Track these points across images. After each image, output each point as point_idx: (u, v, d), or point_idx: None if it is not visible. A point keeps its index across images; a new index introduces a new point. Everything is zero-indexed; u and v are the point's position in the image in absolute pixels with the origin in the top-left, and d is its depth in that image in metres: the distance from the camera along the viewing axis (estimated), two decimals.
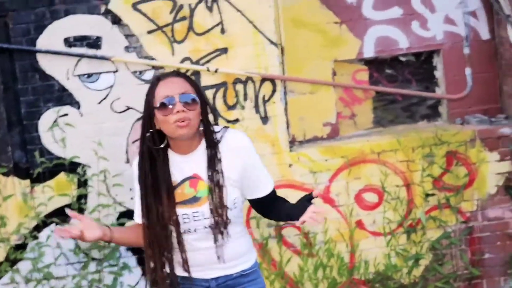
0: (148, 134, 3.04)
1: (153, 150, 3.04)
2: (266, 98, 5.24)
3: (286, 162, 5.28)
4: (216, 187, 3.02)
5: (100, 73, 5.11)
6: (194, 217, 3.04)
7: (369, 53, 5.65)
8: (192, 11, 5.14)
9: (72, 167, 5.08)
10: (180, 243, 3.07)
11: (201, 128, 3.06)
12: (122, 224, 5.07)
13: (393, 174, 5.33)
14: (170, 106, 2.97)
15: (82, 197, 5.11)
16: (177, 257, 3.12)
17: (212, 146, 3.05)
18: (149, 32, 5.13)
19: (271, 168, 5.23)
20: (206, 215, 3.04)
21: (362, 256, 5.34)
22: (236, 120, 5.23)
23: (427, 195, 5.33)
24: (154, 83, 3.07)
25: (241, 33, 5.18)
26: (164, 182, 3.03)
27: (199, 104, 3.01)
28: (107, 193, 5.14)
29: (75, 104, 5.11)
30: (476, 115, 5.66)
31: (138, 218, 3.21)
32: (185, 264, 3.10)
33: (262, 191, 3.17)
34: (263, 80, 5.22)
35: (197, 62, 5.18)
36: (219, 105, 5.22)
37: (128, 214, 5.11)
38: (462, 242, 5.39)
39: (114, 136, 5.14)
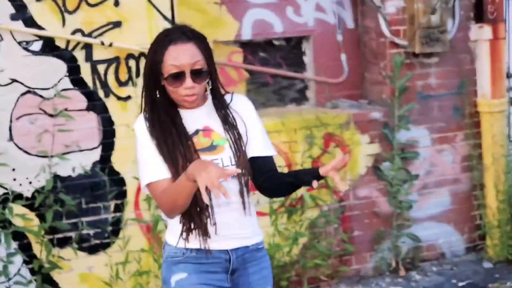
0: (158, 96, 2.93)
1: (165, 107, 2.93)
2: None
3: None
4: (234, 135, 2.95)
5: None
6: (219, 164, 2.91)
7: (246, 35, 5.70)
8: None
9: None
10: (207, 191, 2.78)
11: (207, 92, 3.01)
12: (10, 209, 4.64)
13: (277, 155, 5.41)
14: (180, 80, 2.87)
15: None
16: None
17: (223, 107, 3.02)
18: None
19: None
20: (225, 162, 2.92)
21: None
22: (128, 97, 5.02)
23: None
24: (164, 44, 2.89)
25: (135, 7, 4.98)
26: (182, 131, 2.91)
27: (209, 74, 2.95)
28: None
29: None
30: (341, 99, 5.94)
31: (158, 174, 2.88)
32: (210, 218, 2.89)
33: (260, 150, 3.00)
34: None
35: (89, 35, 4.89)
36: (111, 81, 4.97)
37: (15, 197, 4.72)
38: (337, 220, 5.63)
39: None
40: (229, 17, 5.63)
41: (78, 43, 4.86)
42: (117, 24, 4.94)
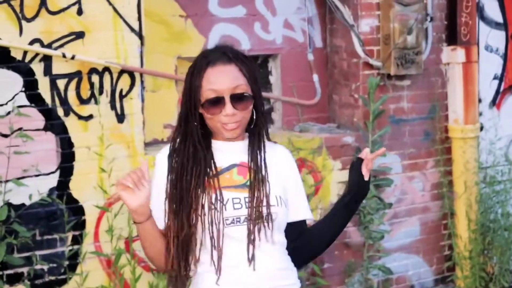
0: (195, 124, 2.54)
1: (198, 137, 2.55)
2: (124, 93, 4.61)
3: None
4: (258, 174, 2.55)
5: None
6: (246, 203, 2.53)
7: None
8: None
9: None
10: (219, 232, 2.49)
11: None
12: None
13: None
14: (219, 106, 2.51)
15: None
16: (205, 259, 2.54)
17: (259, 137, 2.61)
18: None
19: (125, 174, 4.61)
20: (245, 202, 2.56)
21: None
22: (90, 116, 4.52)
23: None
24: (201, 66, 2.53)
25: (100, 16, 4.50)
26: (208, 167, 2.55)
27: (253, 99, 2.54)
28: None
29: None
30: (309, 123, 5.59)
31: (162, 222, 2.57)
32: (219, 260, 2.50)
33: (300, 214, 2.64)
34: (121, 72, 4.58)
35: (48, 46, 4.37)
36: (72, 98, 4.47)
37: None
38: None
39: None
40: (194, 31, 5.20)
41: (36, 55, 4.35)
42: (80, 35, 4.45)
